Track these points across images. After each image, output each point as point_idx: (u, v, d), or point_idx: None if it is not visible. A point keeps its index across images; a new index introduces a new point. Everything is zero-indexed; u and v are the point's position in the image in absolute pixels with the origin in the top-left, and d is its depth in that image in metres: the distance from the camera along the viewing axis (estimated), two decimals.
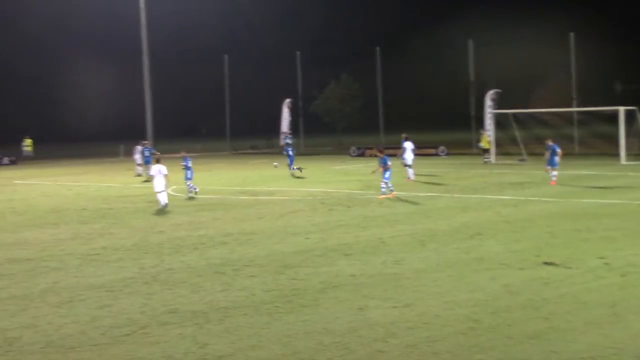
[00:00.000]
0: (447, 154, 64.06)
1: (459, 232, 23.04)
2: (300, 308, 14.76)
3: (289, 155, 47.50)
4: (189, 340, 12.90)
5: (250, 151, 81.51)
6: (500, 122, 56.08)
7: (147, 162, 45.95)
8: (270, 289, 16.39)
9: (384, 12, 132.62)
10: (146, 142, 53.79)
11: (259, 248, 21.37)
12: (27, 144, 75.50)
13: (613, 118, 51.89)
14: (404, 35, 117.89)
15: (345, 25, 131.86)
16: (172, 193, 36.03)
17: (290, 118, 69.16)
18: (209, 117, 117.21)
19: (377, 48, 75.96)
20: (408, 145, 40.55)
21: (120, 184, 43.91)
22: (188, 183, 35.53)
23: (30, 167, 63.37)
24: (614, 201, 29.85)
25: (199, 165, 55.46)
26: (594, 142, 59.39)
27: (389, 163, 32.62)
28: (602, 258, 18.44)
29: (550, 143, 37.42)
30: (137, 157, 49.93)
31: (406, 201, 31.45)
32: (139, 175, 47.91)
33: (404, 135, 41.52)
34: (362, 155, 67.00)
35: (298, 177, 44.57)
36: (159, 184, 31.12)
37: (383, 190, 32.57)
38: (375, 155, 35.00)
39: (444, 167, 50.08)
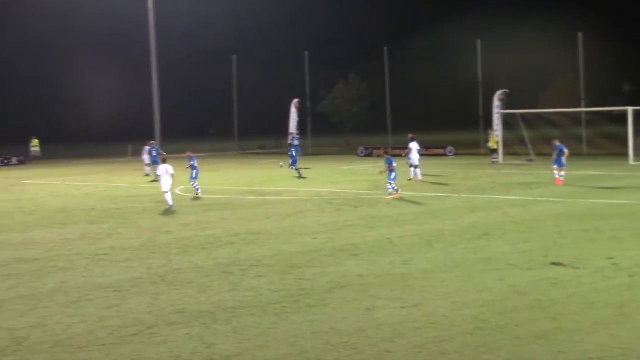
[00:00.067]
0: (455, 154, 63.95)
1: (467, 233, 23.02)
2: (308, 308, 14.76)
3: (291, 156, 47.49)
4: (196, 340, 12.92)
5: (258, 151, 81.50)
6: (508, 123, 55.96)
7: (154, 162, 45.98)
8: (278, 289, 16.40)
9: (393, 13, 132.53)
10: (154, 142, 53.84)
11: (266, 248, 21.39)
12: (35, 144, 75.61)
13: (621, 118, 51.74)
14: (412, 35, 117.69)
15: (354, 25, 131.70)
16: (179, 193, 36.10)
17: (298, 118, 69.11)
18: (217, 117, 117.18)
19: (385, 48, 75.86)
20: (414, 146, 40.57)
21: (128, 184, 43.98)
22: (193, 184, 35.65)
23: (39, 167, 63.48)
24: (622, 202, 29.79)
25: (207, 165, 55.54)
26: (602, 142, 59.24)
27: (394, 164, 32.60)
28: (610, 258, 18.41)
29: (557, 143, 37.37)
30: (146, 157, 49.99)
31: (414, 201, 31.43)
32: (148, 175, 47.98)
33: (410, 136, 41.58)
34: (369, 155, 66.91)
35: (302, 178, 44.48)
36: (166, 183, 31.21)
37: (390, 190, 32.57)
38: (383, 155, 34.96)
39: (452, 168, 50.02)
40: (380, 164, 33.45)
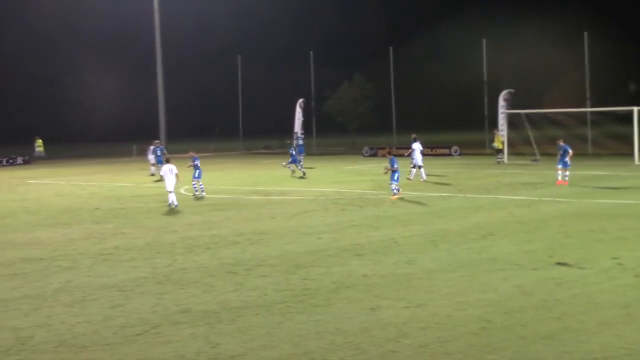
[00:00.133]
0: (460, 154, 63.89)
1: (472, 233, 23.00)
2: (312, 308, 14.75)
3: (291, 155, 47.31)
4: (201, 340, 12.91)
5: (263, 151, 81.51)
6: (514, 122, 55.90)
7: (159, 162, 46.06)
8: (282, 288, 16.39)
9: (398, 12, 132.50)
10: (158, 141, 53.88)
11: (271, 248, 21.38)
12: (39, 144, 75.68)
13: (627, 118, 51.64)
14: (417, 35, 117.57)
15: (359, 25, 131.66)
16: (184, 193, 36.10)
17: (303, 118, 69.09)
18: (222, 117, 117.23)
19: (390, 48, 75.87)
20: (417, 147, 40.59)
21: (133, 184, 44.01)
22: (193, 183, 35.70)
23: (44, 167, 63.54)
24: (628, 201, 29.72)
25: (212, 165, 55.63)
26: (608, 142, 59.13)
27: (396, 165, 32.52)
28: (615, 258, 18.36)
29: (561, 143, 37.33)
30: (151, 157, 50.04)
31: (418, 201, 31.41)
32: (153, 175, 48.04)
33: (413, 136, 41.66)
34: (374, 155, 66.86)
35: (301, 178, 44.42)
36: (170, 183, 31.23)
37: (394, 190, 32.53)
38: (387, 155, 34.94)
39: (457, 167, 49.99)
40: (385, 163, 33.42)
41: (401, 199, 31.93)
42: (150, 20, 75.69)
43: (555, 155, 38.51)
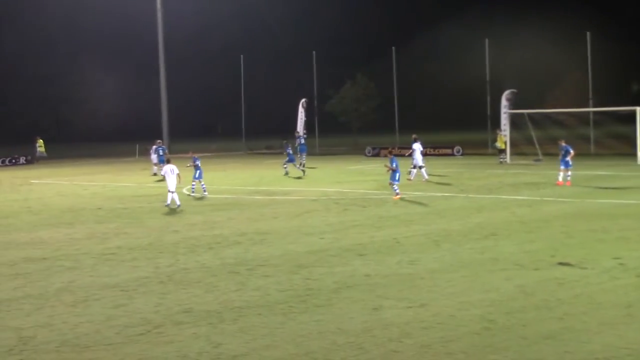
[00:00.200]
0: (463, 154, 63.82)
1: (474, 233, 23.01)
2: (315, 308, 14.77)
3: (288, 154, 47.11)
4: (203, 340, 12.93)
5: (265, 151, 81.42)
6: (516, 122, 55.86)
7: (161, 162, 46.07)
8: (285, 288, 16.41)
9: (400, 12, 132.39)
10: (160, 141, 53.91)
11: (273, 248, 21.40)
12: (40, 144, 75.65)
13: (629, 118, 51.62)
14: (420, 35, 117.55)
15: (361, 25, 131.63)
16: (186, 193, 36.08)
17: (305, 118, 69.07)
18: (224, 117, 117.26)
19: (393, 48, 75.79)
20: (417, 147, 40.58)
21: (135, 184, 44.04)
22: (193, 183, 35.71)
23: (47, 167, 63.56)
24: (630, 202, 29.71)
25: (214, 165, 55.65)
26: (610, 142, 59.05)
27: (395, 164, 32.47)
28: (617, 258, 18.37)
29: (563, 144, 37.29)
30: (154, 157, 50.08)
31: (421, 201, 31.41)
32: (155, 174, 48.06)
33: (413, 137, 41.67)
34: (377, 155, 66.78)
35: (301, 179, 44.39)
36: (171, 183, 31.21)
37: (396, 190, 32.50)
38: (388, 155, 34.91)
39: (459, 167, 49.95)
40: (387, 162, 33.40)
41: (402, 199, 31.92)
42: (152, 20, 75.74)
43: (557, 155, 38.49)
